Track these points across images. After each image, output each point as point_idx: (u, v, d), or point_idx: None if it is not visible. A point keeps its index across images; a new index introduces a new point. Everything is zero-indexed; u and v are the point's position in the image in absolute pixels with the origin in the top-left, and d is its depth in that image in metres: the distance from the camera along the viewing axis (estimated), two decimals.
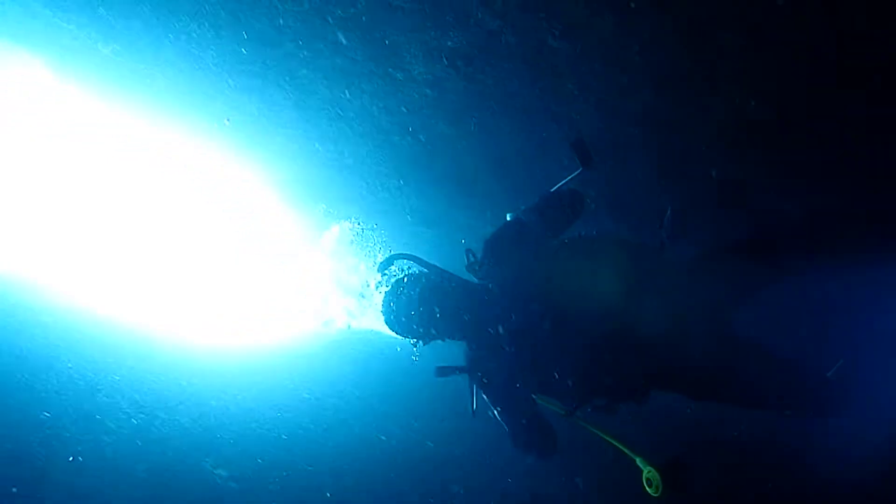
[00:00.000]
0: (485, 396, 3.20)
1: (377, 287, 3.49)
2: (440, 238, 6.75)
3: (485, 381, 3.13)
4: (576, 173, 3.27)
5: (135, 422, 4.73)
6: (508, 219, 3.36)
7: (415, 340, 3.32)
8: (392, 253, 3.53)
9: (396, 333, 3.34)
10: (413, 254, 3.46)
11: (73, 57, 5.66)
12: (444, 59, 3.96)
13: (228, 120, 5.73)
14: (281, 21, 4.30)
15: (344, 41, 4.25)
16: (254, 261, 9.90)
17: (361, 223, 6.21)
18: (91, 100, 6.52)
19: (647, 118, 4.01)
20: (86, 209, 9.57)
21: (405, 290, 3.24)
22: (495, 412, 3.19)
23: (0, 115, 7.88)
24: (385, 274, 3.45)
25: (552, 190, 3.34)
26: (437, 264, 3.34)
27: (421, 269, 3.41)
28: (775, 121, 3.68)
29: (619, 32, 3.52)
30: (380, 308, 3.39)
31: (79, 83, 6.24)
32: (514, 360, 2.94)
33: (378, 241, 7.11)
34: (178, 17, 4.61)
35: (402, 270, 3.45)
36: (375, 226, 6.68)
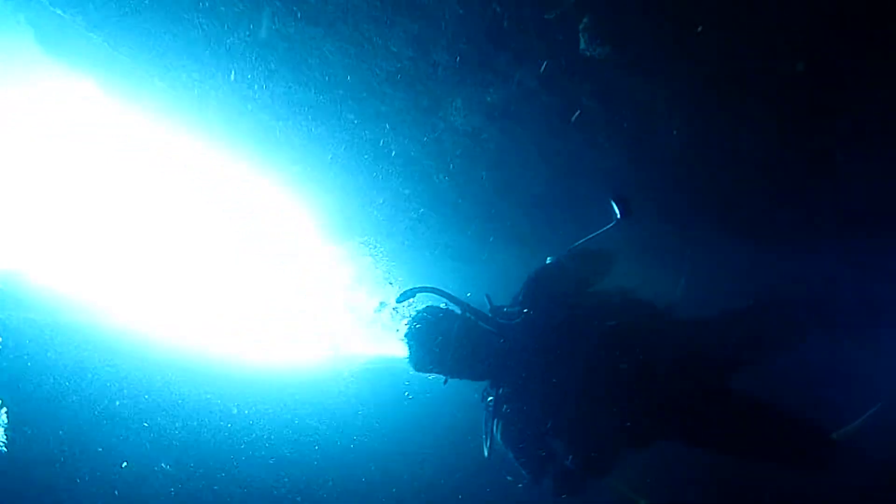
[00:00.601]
0: (501, 435, 3.26)
1: (395, 317, 3.47)
2: (475, 274, 7.00)
3: (511, 421, 3.22)
4: (612, 224, 3.38)
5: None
6: (548, 262, 3.45)
7: (437, 376, 3.35)
8: (416, 286, 3.51)
9: (420, 369, 3.35)
10: (440, 288, 3.47)
11: (128, 84, 6.11)
12: (483, 113, 4.25)
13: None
14: (331, 70, 4.63)
15: (389, 91, 4.56)
16: (286, 283, 10.21)
17: (388, 257, 6.53)
18: (146, 124, 6.97)
19: (672, 169, 4.24)
20: (131, 227, 9.99)
21: (439, 326, 3.27)
22: (515, 453, 3.26)
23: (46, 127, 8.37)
24: (403, 306, 3.43)
25: (585, 241, 3.45)
26: (464, 300, 3.37)
27: (447, 304, 3.43)
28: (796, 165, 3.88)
29: (649, 92, 3.77)
30: (404, 341, 3.39)
31: (135, 110, 6.71)
32: (541, 404, 3.10)
33: (410, 274, 7.41)
34: (233, 59, 4.96)
35: (420, 303, 3.48)
36: (407, 259, 6.99)
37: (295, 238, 8.42)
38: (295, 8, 4.16)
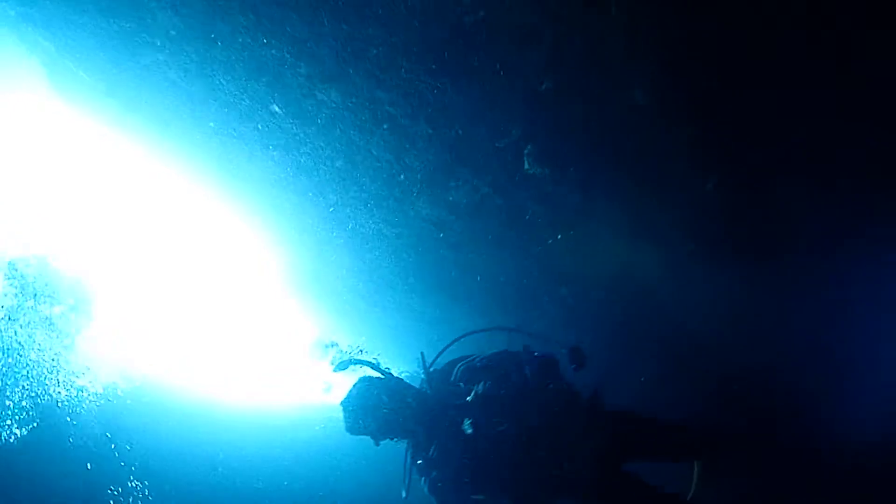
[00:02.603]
0: (429, 489, 3.65)
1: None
2: (438, 335, 7.80)
3: (437, 483, 3.61)
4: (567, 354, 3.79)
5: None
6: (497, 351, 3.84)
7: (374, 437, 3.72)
8: (351, 357, 3.94)
9: (352, 433, 3.72)
10: (369, 361, 3.86)
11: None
12: (446, 208, 5.16)
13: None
14: (321, 159, 5.52)
15: (368, 181, 5.46)
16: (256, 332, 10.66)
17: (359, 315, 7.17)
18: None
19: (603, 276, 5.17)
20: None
21: (365, 392, 3.67)
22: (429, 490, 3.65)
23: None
24: (341, 371, 3.84)
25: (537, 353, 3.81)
26: (392, 372, 3.84)
27: (379, 374, 3.83)
28: None
29: (581, 201, 4.73)
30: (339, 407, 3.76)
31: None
32: (461, 465, 3.55)
33: (378, 332, 8.17)
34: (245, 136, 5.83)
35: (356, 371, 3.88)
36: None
37: (269, 293, 9.04)
38: (294, 109, 5.06)
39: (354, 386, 3.77)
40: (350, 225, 6.29)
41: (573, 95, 3.96)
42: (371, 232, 6.18)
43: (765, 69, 3.62)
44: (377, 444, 3.77)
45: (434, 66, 4.14)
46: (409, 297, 7.01)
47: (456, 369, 3.85)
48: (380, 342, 8.63)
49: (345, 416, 3.70)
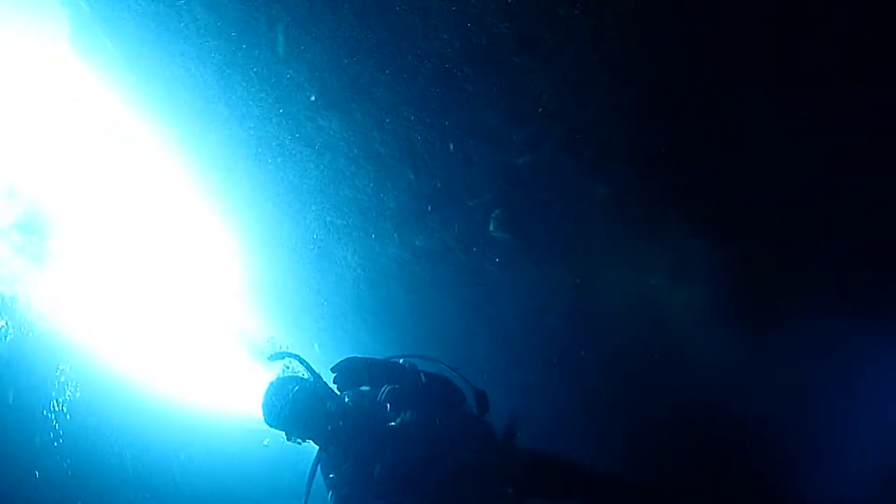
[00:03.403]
0: (328, 494, 3.71)
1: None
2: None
3: (348, 500, 3.69)
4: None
5: None
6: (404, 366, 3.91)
7: (284, 435, 3.75)
8: (285, 351, 4.00)
9: (268, 423, 3.76)
10: (302, 358, 3.89)
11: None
12: (411, 252, 5.52)
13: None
14: (302, 195, 5.89)
15: (346, 211, 5.82)
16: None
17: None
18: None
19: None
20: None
21: (286, 387, 3.73)
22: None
23: None
24: (273, 363, 3.90)
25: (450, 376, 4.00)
26: (320, 374, 3.89)
27: (305, 371, 3.89)
28: None
29: (536, 270, 5.11)
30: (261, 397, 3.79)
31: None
32: (360, 469, 3.66)
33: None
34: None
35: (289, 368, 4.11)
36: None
37: (224, 293, 9.20)
38: (294, 128, 5.44)
39: (277, 378, 3.88)
40: (319, 247, 6.62)
41: (545, 175, 4.39)
42: (337, 258, 6.50)
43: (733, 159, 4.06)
44: (288, 440, 3.80)
45: (429, 120, 4.56)
46: (359, 329, 7.29)
47: (383, 390, 3.90)
48: (321, 364, 8.83)
49: (262, 406, 3.75)
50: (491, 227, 4.78)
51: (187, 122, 6.51)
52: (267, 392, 3.79)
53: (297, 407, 3.67)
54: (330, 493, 3.74)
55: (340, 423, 3.72)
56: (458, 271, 5.43)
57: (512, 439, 4.11)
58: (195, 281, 9.34)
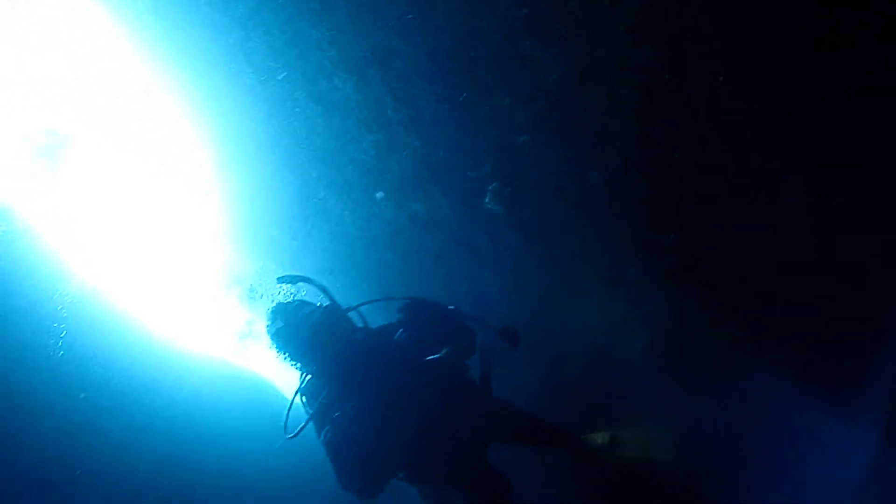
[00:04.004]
0: (324, 430, 3.58)
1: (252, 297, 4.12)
2: None
3: (337, 415, 3.56)
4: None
5: None
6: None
7: (284, 356, 3.69)
8: (301, 274, 3.92)
9: (275, 345, 3.67)
10: (321, 284, 3.79)
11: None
12: (407, 217, 5.87)
13: None
14: (309, 152, 6.20)
15: (349, 171, 6.14)
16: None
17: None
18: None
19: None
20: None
21: (304, 308, 3.64)
22: (327, 443, 3.58)
23: None
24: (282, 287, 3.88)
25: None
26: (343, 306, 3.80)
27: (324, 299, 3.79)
28: None
29: (526, 257, 5.49)
30: (269, 313, 3.70)
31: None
32: (365, 409, 3.57)
33: None
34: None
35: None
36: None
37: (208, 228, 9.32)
38: (310, 85, 5.75)
39: (300, 300, 3.78)
40: (318, 203, 6.93)
41: (542, 156, 4.75)
42: (333, 217, 6.82)
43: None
44: (284, 360, 3.70)
45: (440, 92, 4.91)
46: (346, 289, 7.63)
47: (400, 332, 3.87)
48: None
49: (272, 323, 3.66)
50: (486, 200, 5.14)
51: (202, 70, 6.77)
52: (280, 310, 3.70)
53: (317, 329, 3.57)
54: (326, 428, 3.61)
55: (359, 356, 3.65)
56: (450, 240, 5.79)
57: (488, 381, 4.32)
58: (185, 220, 9.53)
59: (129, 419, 6.57)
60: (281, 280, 3.94)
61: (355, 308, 3.95)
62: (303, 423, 3.66)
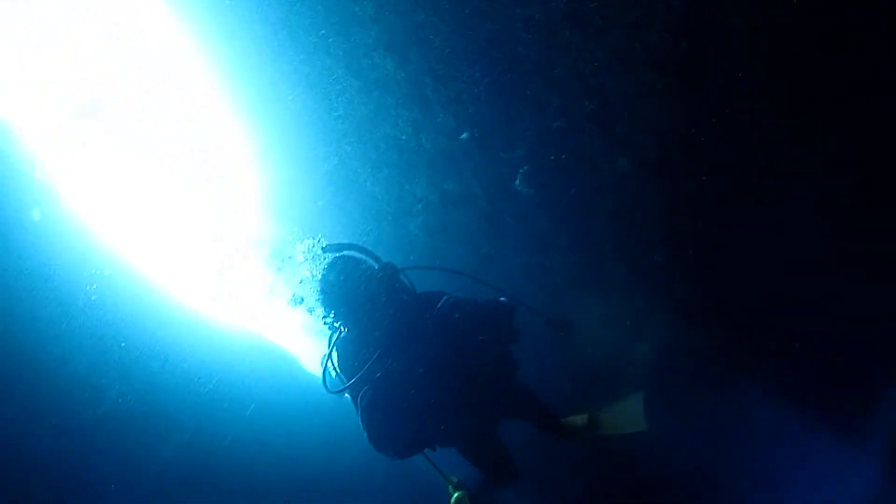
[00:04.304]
0: (363, 390, 3.67)
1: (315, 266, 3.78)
2: None
3: (378, 376, 3.66)
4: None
5: None
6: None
7: (331, 318, 3.82)
8: (346, 242, 4.03)
9: (324, 299, 3.78)
10: (370, 251, 3.96)
11: None
12: (438, 194, 6.09)
13: None
14: (343, 125, 6.42)
15: (383, 148, 6.37)
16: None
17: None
18: None
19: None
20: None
21: (359, 266, 3.77)
22: (368, 403, 3.67)
23: None
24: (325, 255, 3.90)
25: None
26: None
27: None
28: None
29: (549, 239, 5.71)
30: (325, 267, 3.81)
31: None
32: (407, 373, 3.68)
33: None
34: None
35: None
36: None
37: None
38: (351, 61, 5.96)
39: (356, 258, 3.88)
40: (349, 181, 7.17)
41: (574, 141, 4.96)
42: (365, 190, 7.06)
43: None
44: (325, 317, 3.80)
45: (478, 75, 5.11)
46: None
47: (444, 299, 3.94)
48: None
49: (328, 276, 3.74)
50: (517, 182, 5.36)
51: (243, 44, 6.98)
52: (338, 264, 3.81)
53: (374, 287, 3.67)
54: (365, 388, 3.70)
55: (407, 319, 3.73)
56: (478, 218, 6.01)
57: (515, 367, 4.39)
58: (218, 190, 9.75)
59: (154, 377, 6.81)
60: (327, 249, 4.03)
61: (405, 270, 4.06)
62: (349, 382, 3.74)
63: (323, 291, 3.80)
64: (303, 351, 9.33)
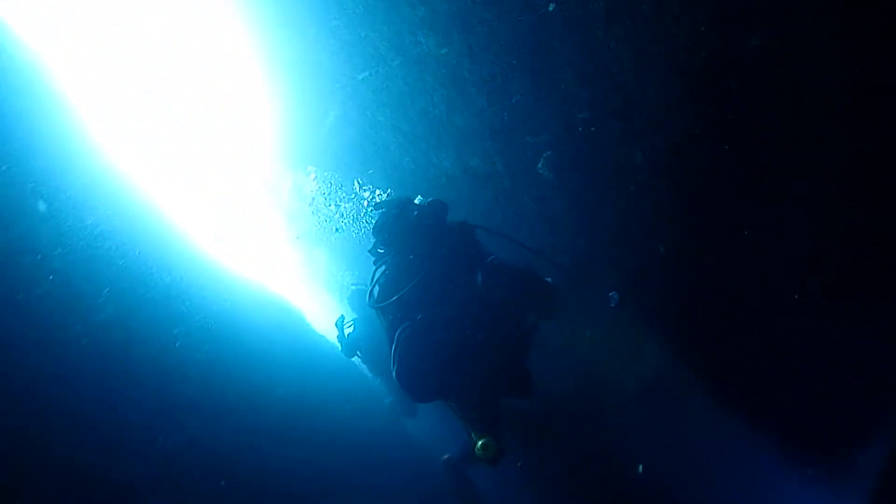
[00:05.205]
0: (403, 327, 3.94)
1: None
2: None
3: (420, 317, 3.93)
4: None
5: None
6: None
7: (380, 246, 4.36)
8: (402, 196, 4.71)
9: (382, 231, 4.30)
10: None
11: None
12: (462, 170, 6.61)
13: None
14: (380, 97, 6.92)
15: (416, 121, 6.88)
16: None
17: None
18: None
19: None
20: None
21: (418, 202, 4.40)
22: (405, 338, 3.91)
23: None
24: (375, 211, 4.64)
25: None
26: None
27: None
28: None
29: (566, 221, 6.24)
30: (383, 202, 4.47)
31: None
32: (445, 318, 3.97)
33: None
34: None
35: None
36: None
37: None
38: (394, 37, 6.45)
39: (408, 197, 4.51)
40: (382, 152, 7.66)
41: (596, 133, 5.48)
42: (392, 161, 7.58)
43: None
44: (378, 249, 4.31)
45: (514, 62, 5.62)
46: None
47: (492, 258, 4.34)
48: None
49: (388, 210, 4.32)
50: (539, 165, 5.88)
51: (288, 12, 7.46)
52: (395, 201, 4.46)
53: (427, 222, 4.25)
54: (405, 325, 3.94)
55: (453, 260, 4.13)
56: (498, 196, 6.55)
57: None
58: (250, 150, 10.23)
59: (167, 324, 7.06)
60: (378, 206, 4.62)
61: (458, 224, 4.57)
62: (394, 295, 4.03)
63: (379, 224, 4.33)
64: (310, 310, 9.84)
